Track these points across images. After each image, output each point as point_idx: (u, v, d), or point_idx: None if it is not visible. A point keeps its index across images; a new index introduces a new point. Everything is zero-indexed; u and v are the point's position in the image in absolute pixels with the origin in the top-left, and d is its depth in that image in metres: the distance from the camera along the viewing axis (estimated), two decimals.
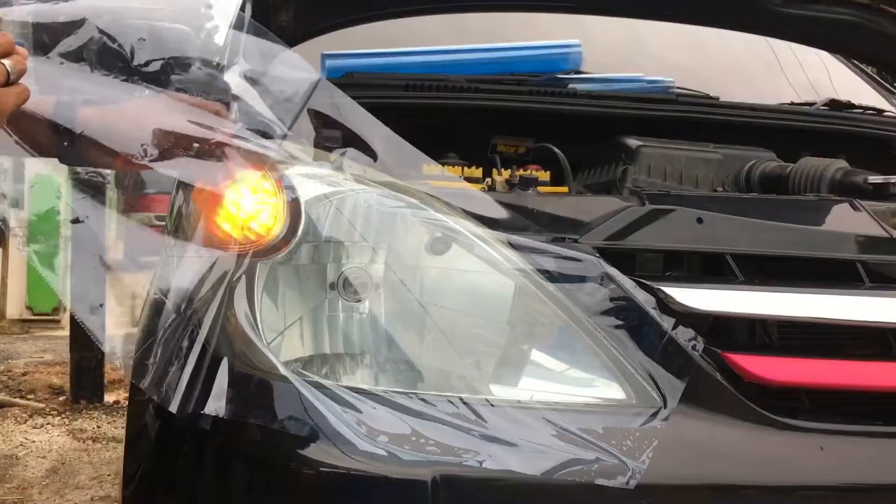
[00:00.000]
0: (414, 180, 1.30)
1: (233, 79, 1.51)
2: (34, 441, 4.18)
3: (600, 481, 1.11)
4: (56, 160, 1.23)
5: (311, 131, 1.31)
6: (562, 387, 1.23)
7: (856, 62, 2.60)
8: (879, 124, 2.01)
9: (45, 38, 1.21)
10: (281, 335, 1.22)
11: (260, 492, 1.16)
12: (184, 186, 1.35)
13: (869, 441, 1.25)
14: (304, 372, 1.18)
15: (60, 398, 5.04)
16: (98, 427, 4.44)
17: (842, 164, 1.67)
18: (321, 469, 1.11)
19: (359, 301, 1.23)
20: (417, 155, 1.31)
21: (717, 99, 1.95)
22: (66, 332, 5.79)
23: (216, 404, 1.15)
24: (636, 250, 1.31)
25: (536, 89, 1.76)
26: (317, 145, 1.30)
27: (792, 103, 2.15)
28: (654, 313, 1.23)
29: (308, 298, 1.24)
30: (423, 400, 1.16)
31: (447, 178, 1.37)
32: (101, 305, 1.22)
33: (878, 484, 1.23)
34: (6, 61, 1.08)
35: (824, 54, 2.47)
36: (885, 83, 2.62)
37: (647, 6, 1.99)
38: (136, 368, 1.21)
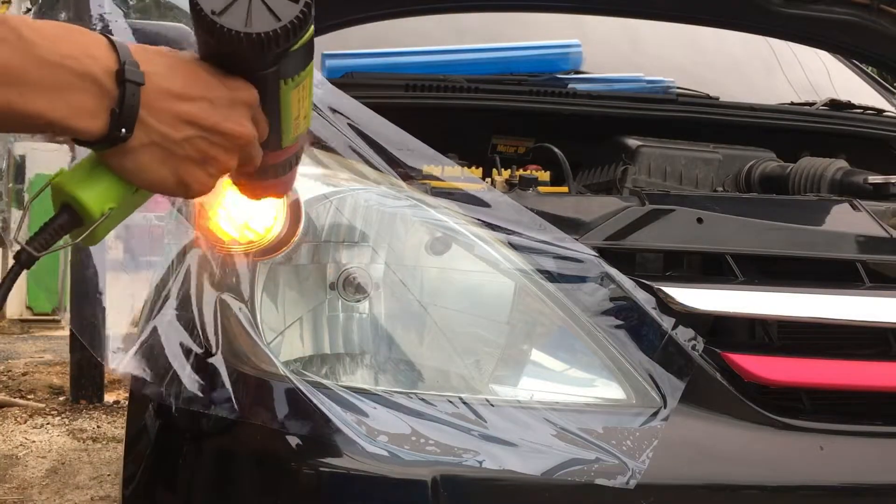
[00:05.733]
0: (414, 180, 1.30)
1: None
2: (34, 441, 4.18)
3: (600, 481, 1.11)
4: None
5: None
6: (562, 387, 1.23)
7: (856, 62, 2.60)
8: (879, 124, 2.01)
9: None
10: (281, 335, 1.22)
11: (260, 492, 1.16)
12: None
13: (869, 441, 1.25)
14: (304, 372, 1.18)
15: (60, 398, 5.05)
16: (98, 427, 4.44)
17: (842, 164, 1.67)
18: (321, 469, 1.11)
19: (359, 301, 1.23)
20: (426, 152, 1.31)
21: (717, 99, 1.95)
22: (66, 332, 5.80)
23: (216, 404, 1.15)
24: (636, 250, 1.32)
25: (536, 89, 1.76)
26: (315, 145, 1.30)
27: (792, 103, 2.15)
28: (654, 313, 1.23)
29: (308, 298, 1.24)
30: (423, 400, 1.16)
31: (447, 178, 1.36)
32: (101, 307, 1.22)
33: (878, 484, 1.22)
34: None
35: (824, 54, 2.47)
36: (885, 83, 2.62)
37: (647, 6, 1.99)
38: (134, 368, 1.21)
